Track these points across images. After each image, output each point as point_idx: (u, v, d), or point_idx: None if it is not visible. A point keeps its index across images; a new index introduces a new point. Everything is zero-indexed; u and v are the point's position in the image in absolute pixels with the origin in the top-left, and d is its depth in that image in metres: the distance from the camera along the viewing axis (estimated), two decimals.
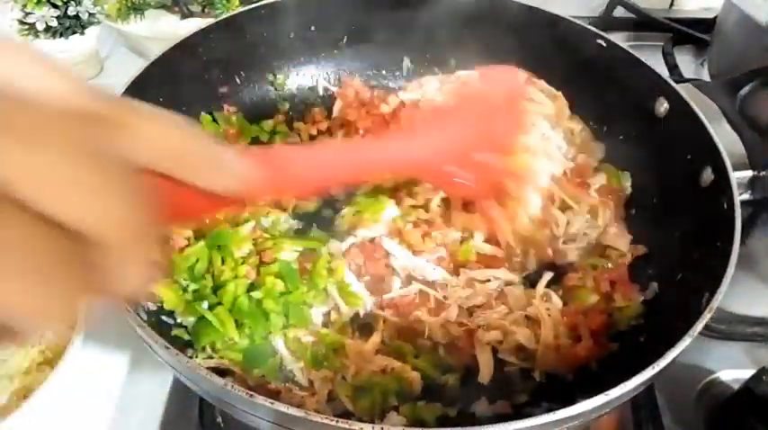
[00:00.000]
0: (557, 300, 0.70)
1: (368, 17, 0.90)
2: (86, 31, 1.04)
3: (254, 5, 0.85)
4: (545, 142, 0.78)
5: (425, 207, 0.77)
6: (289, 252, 0.70)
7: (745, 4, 0.93)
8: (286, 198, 0.75)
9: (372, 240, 0.73)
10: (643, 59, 0.77)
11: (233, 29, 0.84)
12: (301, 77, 0.94)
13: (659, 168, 0.76)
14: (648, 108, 0.76)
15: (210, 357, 0.63)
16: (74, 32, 1.02)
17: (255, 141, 0.87)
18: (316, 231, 0.76)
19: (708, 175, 0.67)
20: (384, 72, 0.96)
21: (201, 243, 0.68)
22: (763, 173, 0.73)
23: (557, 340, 0.66)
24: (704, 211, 0.66)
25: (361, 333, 0.69)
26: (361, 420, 0.52)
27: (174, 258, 0.66)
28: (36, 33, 1.00)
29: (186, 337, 0.64)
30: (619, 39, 0.80)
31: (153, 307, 0.63)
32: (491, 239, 0.75)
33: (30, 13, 0.98)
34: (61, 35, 1.01)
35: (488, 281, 0.72)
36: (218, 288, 0.66)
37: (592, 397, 0.46)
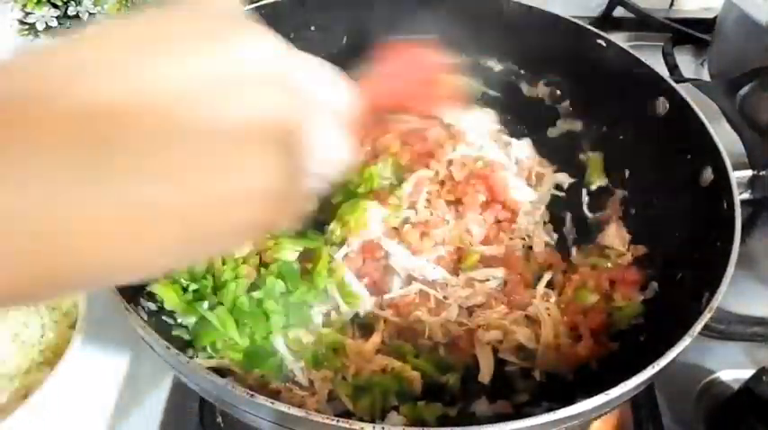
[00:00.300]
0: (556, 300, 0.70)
1: (368, 17, 0.90)
2: None
3: (254, 5, 0.85)
4: None
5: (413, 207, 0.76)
6: (289, 252, 0.70)
7: (745, 4, 0.93)
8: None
9: (372, 240, 0.73)
10: (643, 59, 0.77)
11: None
12: None
13: (659, 168, 0.75)
14: (648, 108, 0.76)
15: (211, 357, 0.63)
16: None
17: None
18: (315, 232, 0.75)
19: (708, 175, 0.67)
20: None
21: None
22: (763, 172, 0.73)
23: (557, 340, 0.66)
24: (704, 211, 0.66)
25: (362, 333, 0.69)
26: (361, 420, 0.52)
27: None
28: (36, 33, 1.00)
29: (187, 337, 0.64)
30: (619, 39, 0.79)
31: (153, 307, 0.63)
32: (491, 239, 0.75)
33: (30, 13, 0.98)
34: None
35: (488, 280, 0.72)
36: (218, 288, 0.66)
37: (592, 396, 0.46)
